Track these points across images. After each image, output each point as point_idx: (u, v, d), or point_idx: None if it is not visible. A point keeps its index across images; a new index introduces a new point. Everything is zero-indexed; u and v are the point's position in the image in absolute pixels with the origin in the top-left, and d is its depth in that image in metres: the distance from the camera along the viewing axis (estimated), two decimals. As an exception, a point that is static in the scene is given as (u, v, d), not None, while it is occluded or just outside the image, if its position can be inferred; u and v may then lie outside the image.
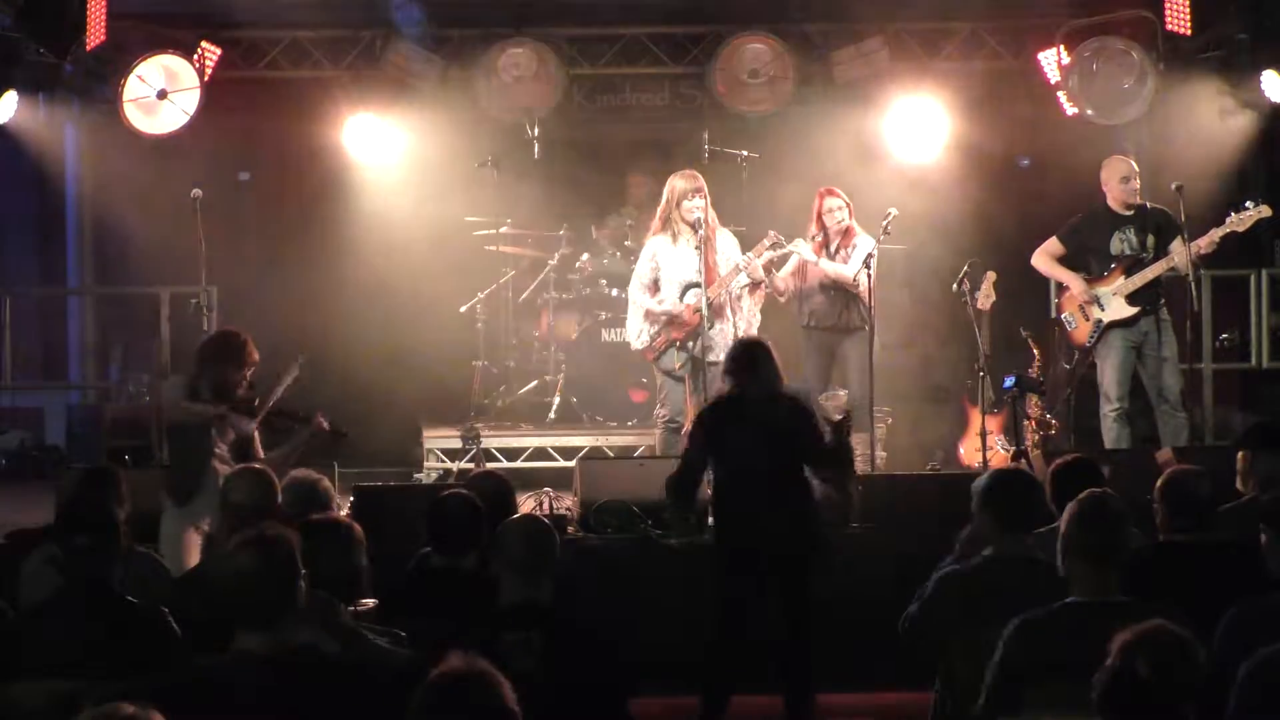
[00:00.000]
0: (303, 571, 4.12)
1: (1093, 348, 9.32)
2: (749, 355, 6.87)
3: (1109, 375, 9.27)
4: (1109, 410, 9.27)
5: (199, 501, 7.16)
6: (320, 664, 4.03)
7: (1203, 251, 9.09)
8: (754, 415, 6.65)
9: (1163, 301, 9.30)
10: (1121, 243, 9.27)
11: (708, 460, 6.75)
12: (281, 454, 7.35)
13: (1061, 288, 9.74)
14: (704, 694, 6.52)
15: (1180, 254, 9.04)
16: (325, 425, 7.52)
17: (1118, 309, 9.25)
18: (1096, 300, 9.27)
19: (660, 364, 9.20)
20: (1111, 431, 9.25)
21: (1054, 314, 9.90)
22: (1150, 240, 9.23)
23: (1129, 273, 9.23)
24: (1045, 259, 9.54)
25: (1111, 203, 9.31)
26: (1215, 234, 9.07)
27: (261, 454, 7.31)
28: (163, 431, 8.10)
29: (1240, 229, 9.09)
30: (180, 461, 7.39)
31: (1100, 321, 9.28)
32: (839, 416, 7.09)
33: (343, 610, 4.70)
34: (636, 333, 9.29)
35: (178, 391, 7.45)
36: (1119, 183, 9.26)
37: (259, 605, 4.01)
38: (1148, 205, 9.31)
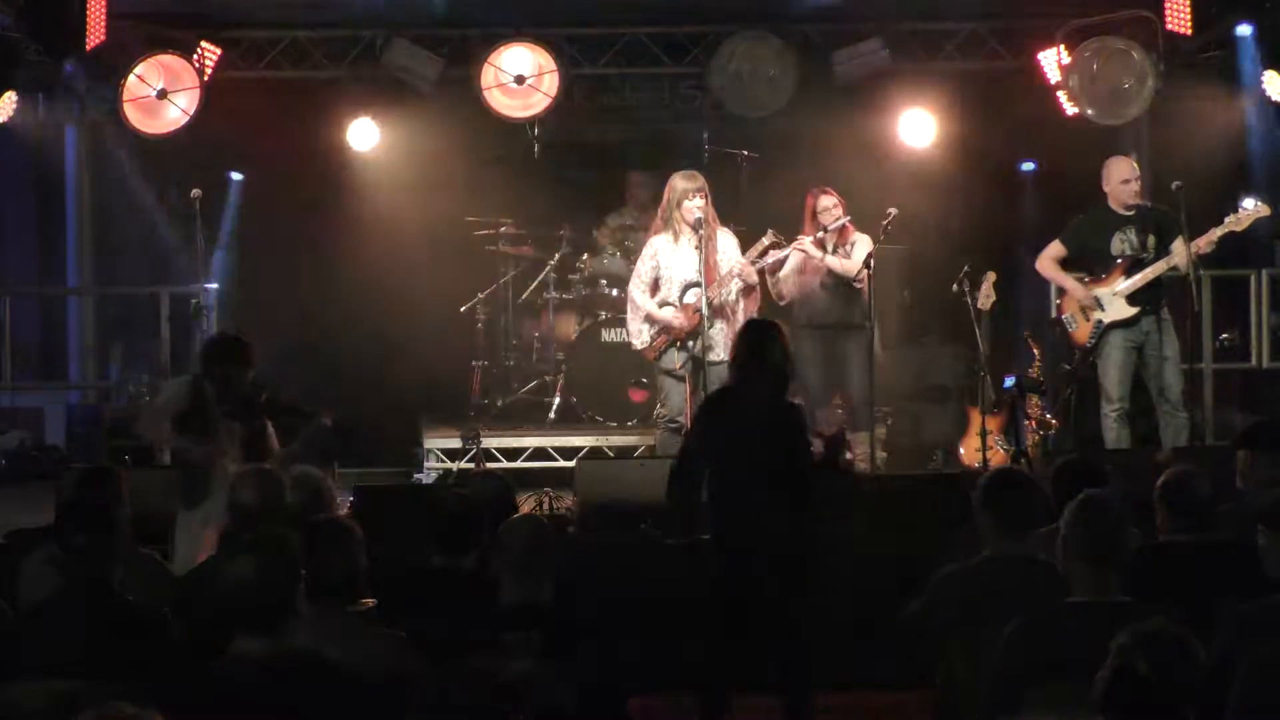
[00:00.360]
0: (303, 574, 4.12)
1: (1094, 348, 9.32)
2: (755, 343, 6.70)
3: (1110, 376, 9.28)
4: (1109, 410, 9.28)
5: (210, 504, 7.17)
6: (320, 668, 4.02)
7: (1202, 251, 9.10)
8: (752, 415, 6.60)
9: (1164, 301, 9.30)
10: (1122, 243, 9.27)
11: (706, 451, 6.65)
12: (289, 451, 7.36)
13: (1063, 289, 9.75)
14: (703, 694, 6.51)
15: (1181, 254, 9.05)
16: (329, 421, 7.54)
17: (1118, 309, 9.26)
18: (1097, 301, 9.28)
19: (661, 363, 9.20)
20: (1111, 431, 9.26)
21: (1054, 314, 9.90)
22: (1151, 240, 9.23)
23: (1129, 273, 9.23)
24: (1048, 263, 9.54)
25: (1112, 203, 9.31)
26: (1214, 233, 9.09)
27: (275, 448, 7.33)
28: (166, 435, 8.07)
29: (1239, 228, 9.11)
30: (186, 466, 7.39)
31: (1101, 322, 9.28)
32: (832, 430, 7.00)
33: (343, 611, 4.70)
34: (637, 332, 9.29)
35: (172, 400, 7.44)
36: (1119, 184, 9.27)
37: (259, 611, 4.00)
38: (1148, 205, 9.32)
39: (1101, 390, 9.34)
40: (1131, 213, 9.27)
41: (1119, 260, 9.27)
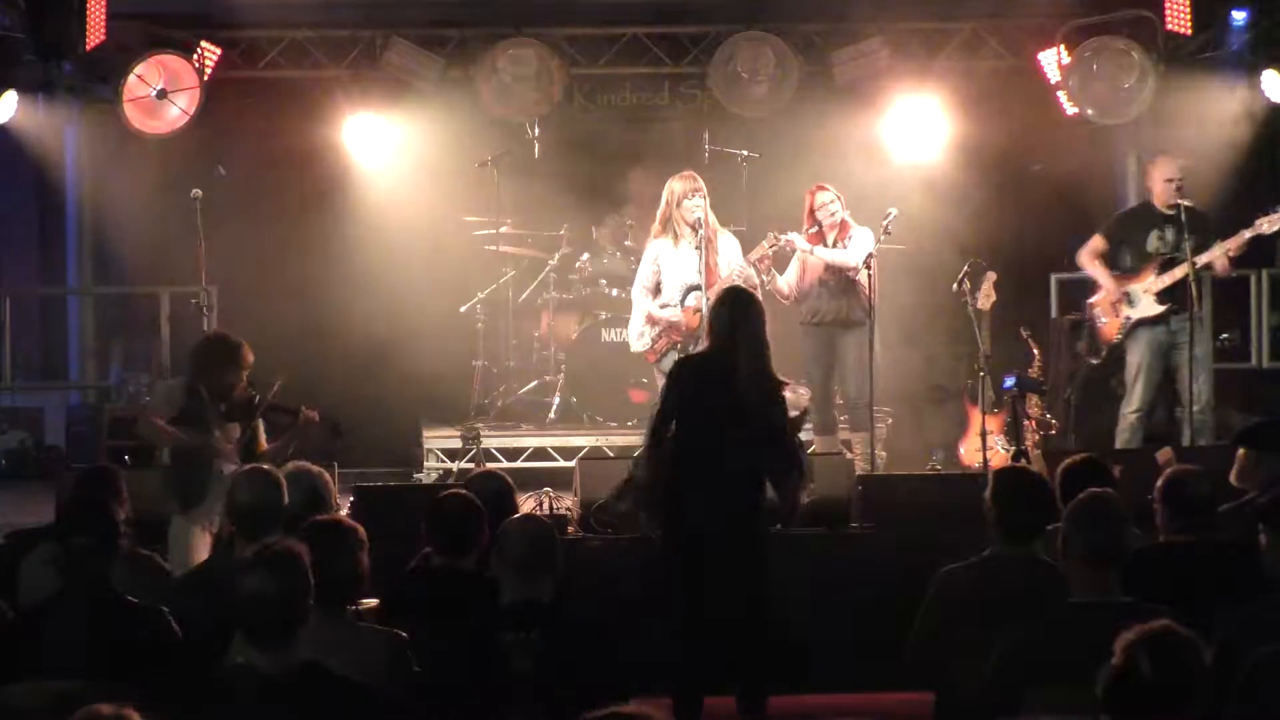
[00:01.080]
0: (312, 584, 4.10)
1: (1121, 344, 9.38)
2: (732, 312, 6.71)
3: (1134, 374, 9.36)
4: (1129, 411, 9.35)
5: (205, 506, 7.16)
6: (323, 679, 4.00)
7: (1232, 254, 9.17)
8: (725, 385, 6.52)
9: (1198, 302, 9.32)
10: (1158, 241, 9.31)
11: (680, 415, 6.59)
12: (275, 449, 7.35)
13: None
14: (677, 693, 6.44)
15: (1214, 254, 9.09)
16: (315, 417, 7.52)
17: (1147, 306, 9.31)
18: (1127, 297, 9.34)
19: (661, 366, 9.18)
20: (1125, 433, 9.30)
21: (1087, 309, 9.88)
22: (1187, 241, 9.24)
23: (1161, 271, 9.26)
24: (1088, 256, 9.63)
25: (1155, 201, 9.35)
26: (1244, 235, 9.16)
27: (264, 446, 7.33)
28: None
29: (1268, 231, 9.15)
30: (183, 468, 7.37)
31: (1129, 318, 9.34)
32: (793, 413, 6.97)
33: (344, 611, 4.70)
34: (637, 335, 9.29)
35: (166, 401, 7.43)
36: (1162, 182, 9.32)
37: (271, 626, 3.98)
38: (1190, 206, 9.34)
39: (1126, 388, 9.38)
40: (1173, 212, 9.29)
41: (1152, 257, 9.31)
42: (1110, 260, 9.53)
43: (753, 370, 6.59)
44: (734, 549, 6.43)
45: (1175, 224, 9.27)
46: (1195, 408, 9.20)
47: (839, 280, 9.53)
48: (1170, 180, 9.29)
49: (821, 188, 9.55)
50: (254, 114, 11.10)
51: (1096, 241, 9.59)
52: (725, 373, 6.57)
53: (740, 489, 6.48)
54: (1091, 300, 9.75)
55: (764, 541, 6.58)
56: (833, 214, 9.46)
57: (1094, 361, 9.81)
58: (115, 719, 3.21)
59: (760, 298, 9.14)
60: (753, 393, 6.55)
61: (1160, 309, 9.27)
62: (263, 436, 7.44)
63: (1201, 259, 9.14)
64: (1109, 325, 9.46)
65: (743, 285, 8.98)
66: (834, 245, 9.51)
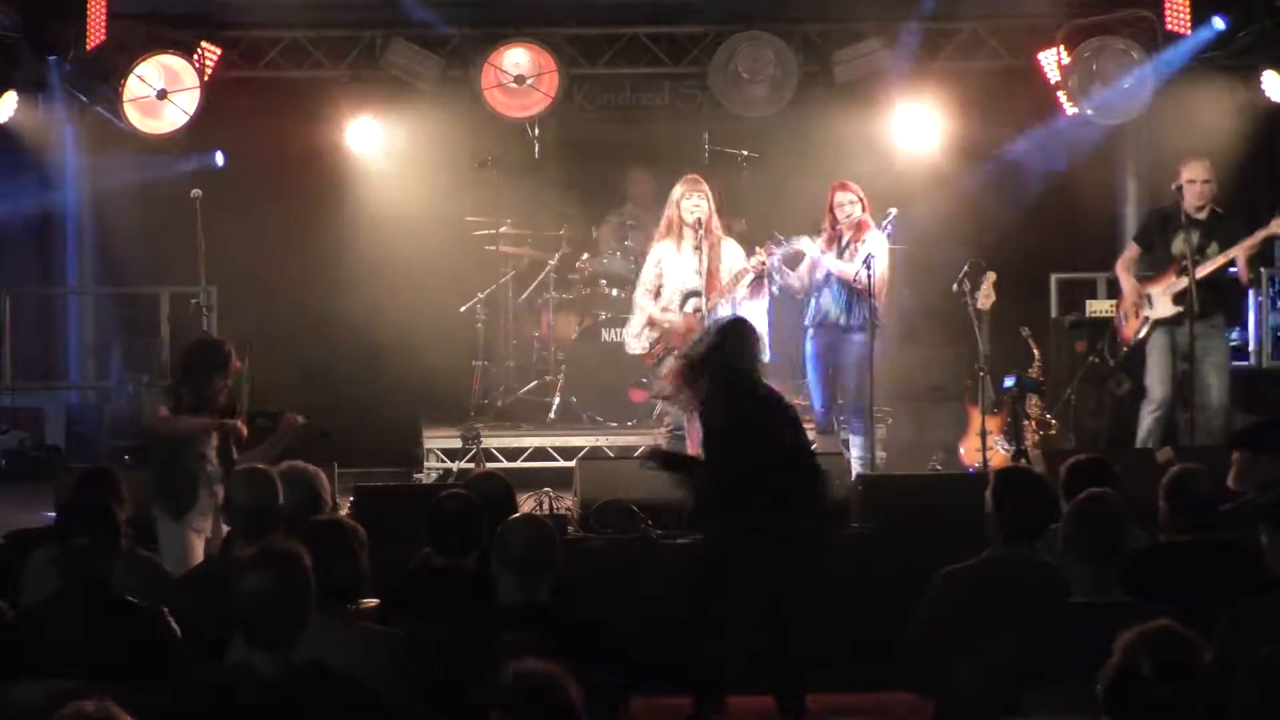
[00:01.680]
0: (313, 585, 4.10)
1: (1139, 344, 9.42)
2: (719, 346, 6.84)
3: (1151, 374, 9.43)
4: (1148, 411, 9.39)
5: (195, 510, 7.14)
6: (323, 679, 4.00)
7: (1248, 253, 9.19)
8: (748, 414, 6.60)
9: (1219, 305, 9.32)
10: (1182, 243, 9.31)
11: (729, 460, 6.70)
12: (258, 453, 7.29)
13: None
14: (695, 694, 6.46)
15: (1232, 254, 9.11)
16: (298, 421, 7.47)
17: (1163, 307, 9.35)
18: (1147, 299, 9.38)
19: (659, 371, 9.18)
20: (1142, 431, 9.32)
21: (1117, 311, 9.91)
22: (1212, 245, 9.25)
23: (1180, 273, 9.27)
24: (1121, 266, 9.69)
25: (1184, 203, 9.34)
26: (1258, 235, 9.18)
27: (237, 455, 7.26)
28: (148, 444, 7.98)
29: None
30: (170, 474, 7.32)
31: (1147, 319, 9.38)
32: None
33: (345, 611, 4.70)
34: (635, 335, 9.28)
35: (161, 403, 7.39)
36: (1186, 183, 9.32)
37: (271, 626, 3.98)
38: (1218, 211, 9.35)
39: (1146, 389, 9.41)
40: (1202, 215, 9.29)
41: (1174, 259, 9.34)
42: (1142, 263, 9.59)
43: (760, 394, 6.68)
44: (783, 552, 6.48)
45: (1202, 227, 9.27)
46: (1208, 412, 9.21)
47: (841, 284, 9.52)
48: (1192, 182, 9.29)
49: (844, 186, 9.52)
50: (254, 114, 11.08)
51: (1130, 249, 9.71)
52: (739, 403, 6.68)
53: (791, 495, 6.53)
54: (1116, 304, 9.84)
55: (808, 546, 6.63)
56: (849, 214, 9.43)
57: (1112, 361, 9.87)
58: (99, 714, 3.20)
59: (765, 290, 9.21)
60: (772, 414, 6.63)
61: (1176, 310, 9.29)
62: (233, 445, 7.36)
63: (1218, 260, 9.15)
64: (1128, 326, 9.52)
65: (753, 276, 9.02)
66: (848, 245, 9.46)
